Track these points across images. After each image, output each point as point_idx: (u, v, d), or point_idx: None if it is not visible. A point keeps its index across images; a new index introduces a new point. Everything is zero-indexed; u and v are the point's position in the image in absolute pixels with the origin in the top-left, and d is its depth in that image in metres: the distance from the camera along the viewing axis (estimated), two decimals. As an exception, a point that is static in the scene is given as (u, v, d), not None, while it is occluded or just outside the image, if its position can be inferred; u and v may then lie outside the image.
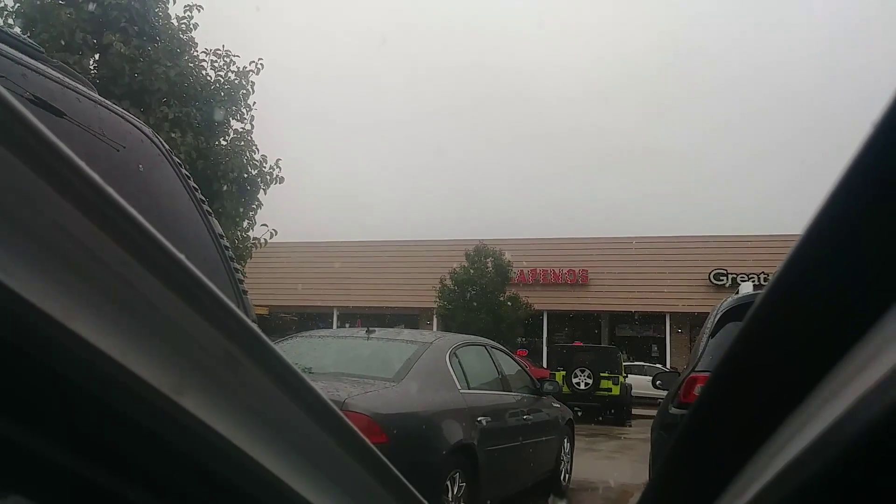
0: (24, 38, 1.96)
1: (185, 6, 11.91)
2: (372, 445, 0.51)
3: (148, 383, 0.33)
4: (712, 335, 4.87)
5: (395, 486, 0.55)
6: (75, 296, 0.30)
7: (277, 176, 12.41)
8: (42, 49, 1.97)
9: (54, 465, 0.32)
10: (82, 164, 0.30)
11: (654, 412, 8.58)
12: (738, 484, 0.38)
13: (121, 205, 0.31)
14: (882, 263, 0.31)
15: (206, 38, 12.85)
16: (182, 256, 0.34)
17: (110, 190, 0.31)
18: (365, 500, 0.51)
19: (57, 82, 1.76)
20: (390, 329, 6.64)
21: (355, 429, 0.49)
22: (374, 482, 0.52)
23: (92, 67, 11.23)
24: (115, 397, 0.32)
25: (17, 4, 10.84)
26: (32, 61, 1.70)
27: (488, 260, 23.70)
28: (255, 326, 0.39)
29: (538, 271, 28.44)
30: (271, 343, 0.40)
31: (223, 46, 12.16)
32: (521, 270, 26.78)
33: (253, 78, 12.22)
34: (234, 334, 0.37)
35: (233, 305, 0.37)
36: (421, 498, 0.58)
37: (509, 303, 23.48)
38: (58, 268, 0.29)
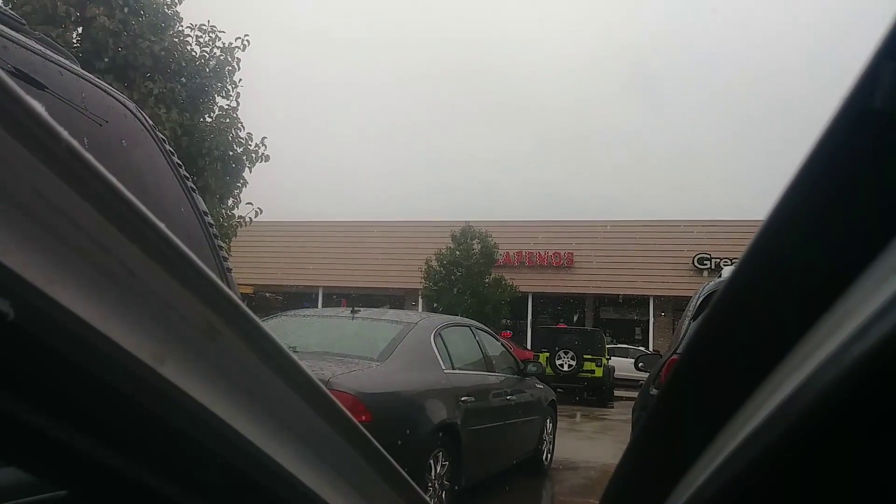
0: (6, 10, 1.93)
1: (170, -20, 11.75)
2: (353, 419, 0.51)
3: (127, 351, 0.33)
4: (694, 318, 4.93)
5: (376, 459, 0.55)
6: (55, 262, 0.30)
7: (263, 154, 12.33)
8: (24, 21, 1.94)
9: (33, 431, 0.33)
10: (62, 130, 0.29)
11: (636, 394, 8.67)
12: (707, 455, 0.39)
13: (100, 171, 0.31)
14: (845, 244, 0.32)
15: (191, 12, 12.68)
16: (162, 225, 0.34)
17: (90, 156, 0.30)
18: (347, 471, 0.51)
19: (39, 55, 1.73)
20: (375, 309, 6.64)
21: (337, 402, 0.49)
22: (357, 455, 0.53)
23: (75, 41, 11.07)
24: (94, 364, 0.32)
25: (-1, -25, 10.63)
26: (14, 33, 1.67)
27: (474, 241, 23.73)
28: (236, 297, 0.39)
29: (524, 253, 28.50)
30: (252, 313, 0.40)
31: (208, 22, 12.03)
32: (507, 252, 26.85)
33: (239, 55, 12.11)
34: (214, 304, 0.37)
35: (213, 275, 0.37)
36: (399, 468, 0.58)
37: (496, 283, 23.56)
38: (37, 234, 0.29)
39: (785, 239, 0.35)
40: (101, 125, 1.89)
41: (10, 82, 0.28)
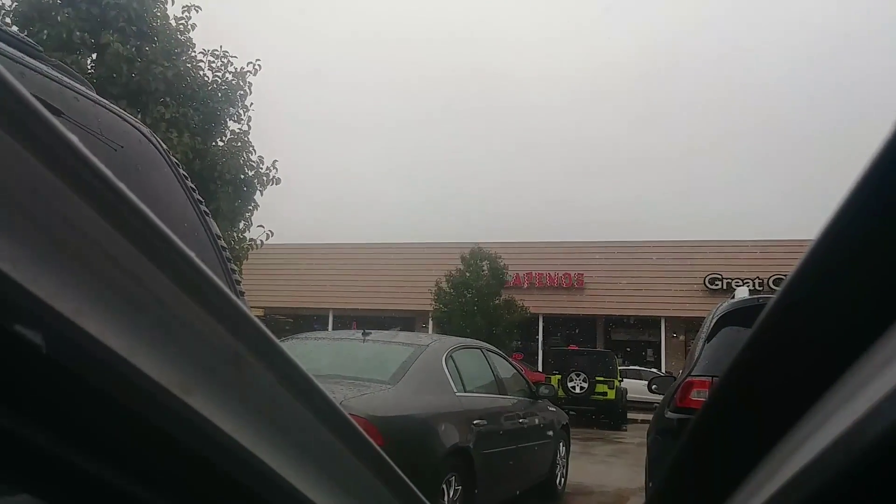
0: (23, 37, 1.95)
1: (183, 7, 11.92)
2: (375, 445, 0.51)
3: (156, 381, 0.32)
4: (708, 339, 4.87)
5: (397, 485, 0.55)
6: (84, 291, 0.30)
7: (274, 177, 12.41)
8: (41, 48, 1.96)
9: (61, 462, 0.32)
10: (93, 157, 0.29)
11: (649, 416, 8.59)
12: (745, 490, 0.38)
13: (130, 199, 0.31)
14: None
15: (204, 38, 12.85)
16: (191, 253, 0.33)
17: (120, 184, 0.30)
18: (368, 499, 0.51)
19: (55, 81, 1.75)
20: (386, 332, 6.62)
21: (359, 428, 0.49)
22: (377, 482, 0.52)
23: (90, 67, 11.21)
24: (123, 395, 0.32)
25: (15, 3, 10.82)
26: (31, 60, 1.69)
27: (484, 263, 23.72)
28: (262, 325, 0.38)
29: (534, 275, 28.44)
30: (278, 342, 0.40)
31: (220, 47, 12.17)
32: (517, 274, 26.80)
33: (250, 79, 12.22)
34: (241, 333, 0.37)
35: (241, 303, 0.36)
36: (423, 499, 0.57)
37: (506, 305, 23.50)
38: (66, 263, 0.29)
39: (838, 259, 0.33)
40: (116, 150, 1.90)
41: (45, 112, 0.28)
